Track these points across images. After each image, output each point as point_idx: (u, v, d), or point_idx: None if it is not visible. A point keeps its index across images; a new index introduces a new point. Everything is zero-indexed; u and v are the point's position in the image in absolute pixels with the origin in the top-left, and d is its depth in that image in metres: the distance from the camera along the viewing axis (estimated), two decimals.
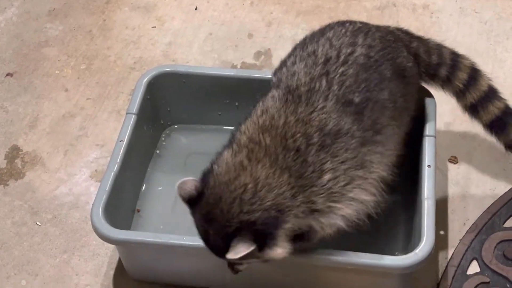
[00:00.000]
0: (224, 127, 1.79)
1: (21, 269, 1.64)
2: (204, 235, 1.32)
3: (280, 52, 1.54)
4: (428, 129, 1.57)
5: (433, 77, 1.61)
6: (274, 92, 1.41)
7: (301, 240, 1.35)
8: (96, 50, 2.14)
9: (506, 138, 1.63)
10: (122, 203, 1.60)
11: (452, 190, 1.72)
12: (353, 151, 1.34)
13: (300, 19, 2.18)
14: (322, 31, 1.49)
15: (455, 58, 1.61)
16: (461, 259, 1.59)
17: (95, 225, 1.46)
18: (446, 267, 1.57)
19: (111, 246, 1.63)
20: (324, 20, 1.91)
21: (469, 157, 1.79)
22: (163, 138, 1.83)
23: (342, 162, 1.32)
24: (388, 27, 1.59)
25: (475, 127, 1.68)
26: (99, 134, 1.92)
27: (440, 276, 1.56)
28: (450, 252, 1.60)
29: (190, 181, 1.34)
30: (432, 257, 1.40)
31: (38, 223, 1.73)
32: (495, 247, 1.60)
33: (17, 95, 2.03)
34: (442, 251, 1.60)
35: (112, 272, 1.62)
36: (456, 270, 1.57)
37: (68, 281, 1.62)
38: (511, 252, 1.58)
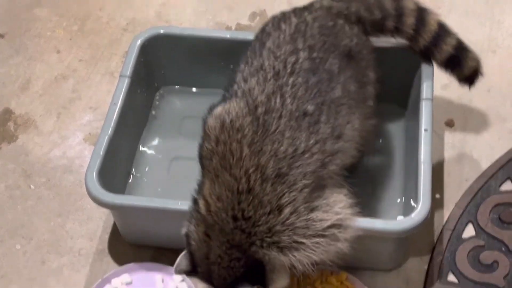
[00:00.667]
0: (219, 90, 1.77)
1: (15, 233, 1.63)
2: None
3: (276, 13, 1.51)
4: (425, 92, 1.56)
5: (381, 31, 1.58)
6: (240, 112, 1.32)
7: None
8: (88, 11, 2.11)
9: (461, 73, 1.63)
10: (117, 167, 1.59)
11: (448, 154, 1.72)
12: (311, 175, 1.29)
13: None
14: (261, 41, 1.45)
15: (398, 5, 1.57)
16: (457, 222, 1.59)
17: (90, 189, 1.45)
18: (442, 230, 1.57)
19: (106, 210, 1.62)
20: None
21: (466, 120, 1.78)
22: (157, 101, 1.81)
23: (302, 189, 1.27)
24: (323, 5, 1.53)
25: (472, 89, 1.66)
26: (92, 97, 1.89)
27: (435, 240, 1.56)
28: (446, 215, 1.60)
29: (183, 259, 1.32)
30: (428, 221, 1.39)
31: (31, 186, 1.72)
32: (491, 210, 1.60)
33: (8, 56, 2.01)
34: (438, 215, 1.60)
35: (107, 236, 1.62)
36: (451, 234, 1.57)
37: (63, 245, 1.61)
38: (506, 216, 1.58)
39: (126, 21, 2.07)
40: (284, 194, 1.26)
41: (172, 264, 1.53)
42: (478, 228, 1.57)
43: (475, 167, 1.68)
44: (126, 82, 1.63)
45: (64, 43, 2.03)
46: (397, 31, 1.58)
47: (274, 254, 1.26)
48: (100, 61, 1.98)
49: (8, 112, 1.87)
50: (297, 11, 1.51)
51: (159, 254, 1.57)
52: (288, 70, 1.37)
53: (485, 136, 1.75)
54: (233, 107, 1.33)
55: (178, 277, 1.50)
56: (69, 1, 2.14)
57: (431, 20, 1.58)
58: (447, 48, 1.58)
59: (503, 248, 1.54)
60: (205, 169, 1.33)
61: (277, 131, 1.30)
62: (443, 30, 1.58)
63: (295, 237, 1.26)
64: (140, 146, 1.73)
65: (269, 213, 1.25)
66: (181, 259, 1.33)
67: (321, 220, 1.28)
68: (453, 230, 1.57)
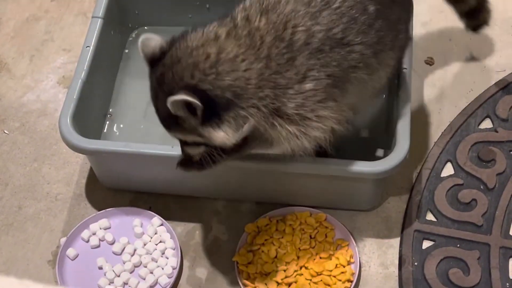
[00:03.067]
0: None
1: None
2: (154, 99, 1.25)
3: None
4: None
5: None
6: None
7: (252, 141, 1.29)
8: None
9: (472, 23, 1.65)
10: (92, 110, 1.56)
11: (428, 92, 1.70)
12: (341, 68, 1.24)
13: None
14: None
15: None
16: (436, 161, 1.58)
17: (64, 135, 1.42)
18: (421, 170, 1.57)
19: (83, 155, 1.60)
20: None
21: (445, 57, 1.76)
22: (131, 42, 1.77)
23: (328, 76, 1.23)
24: None
25: (452, 27, 1.64)
26: (65, 38, 1.85)
27: (414, 179, 1.56)
28: (425, 155, 1.60)
29: (156, 39, 1.24)
30: (407, 161, 1.39)
31: (5, 131, 1.69)
32: (470, 149, 1.60)
33: None
34: (418, 154, 1.59)
35: (84, 181, 1.60)
36: (430, 173, 1.57)
37: (39, 190, 1.60)
38: (485, 154, 1.58)
39: None
40: (314, 69, 1.22)
41: (150, 208, 1.52)
42: (457, 166, 1.57)
43: (454, 105, 1.67)
44: (98, 23, 1.59)
45: None
46: None
47: (266, 110, 1.22)
48: (72, 1, 1.92)
49: None
50: None
51: (137, 198, 1.56)
52: None
53: (465, 74, 1.73)
54: None
55: (157, 221, 1.49)
56: None
57: None
58: (472, 1, 1.59)
59: (481, 186, 1.54)
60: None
61: (338, 10, 1.23)
62: None
63: (300, 111, 1.23)
64: (115, 88, 1.70)
65: (295, 74, 1.21)
66: (152, 38, 1.24)
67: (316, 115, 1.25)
68: (432, 169, 1.57)
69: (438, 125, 1.64)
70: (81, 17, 1.89)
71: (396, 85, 1.47)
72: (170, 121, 1.23)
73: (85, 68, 1.51)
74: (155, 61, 1.24)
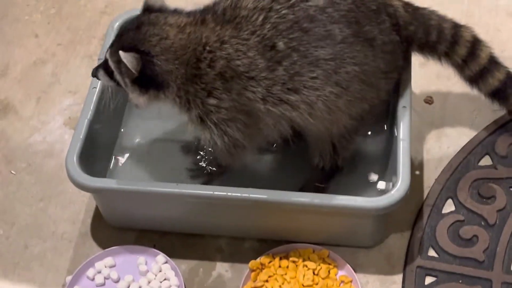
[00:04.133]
0: None
1: None
2: (119, 35, 1.43)
3: None
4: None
5: (430, 52, 1.56)
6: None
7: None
8: None
9: (509, 105, 1.62)
10: (97, 150, 1.59)
11: (427, 130, 1.73)
12: (249, 101, 1.37)
13: None
14: None
15: (456, 33, 1.54)
16: (436, 198, 1.60)
17: (71, 173, 1.45)
18: (422, 206, 1.59)
19: (88, 194, 1.62)
20: None
21: (444, 97, 1.79)
22: None
23: (231, 100, 1.36)
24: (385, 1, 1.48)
25: (451, 67, 1.67)
26: (71, 81, 1.89)
27: (416, 216, 1.58)
28: (426, 192, 1.62)
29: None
30: (408, 197, 1.41)
31: (12, 172, 1.71)
32: (470, 185, 1.62)
33: None
34: (418, 191, 1.61)
35: (89, 220, 1.62)
36: (431, 209, 1.58)
37: (45, 229, 1.61)
38: (485, 190, 1.60)
39: (104, 3, 2.06)
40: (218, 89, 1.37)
41: (155, 246, 1.54)
42: (457, 203, 1.59)
43: (454, 143, 1.70)
44: None
45: (42, 27, 2.02)
46: (446, 56, 1.56)
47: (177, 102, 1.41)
48: (79, 44, 1.97)
49: None
50: None
51: (142, 236, 1.57)
52: (291, 2, 1.34)
53: (464, 113, 1.76)
54: None
55: (161, 259, 1.51)
56: None
57: (482, 54, 1.55)
58: (493, 82, 1.56)
59: (482, 223, 1.56)
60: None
61: (244, 42, 1.35)
62: (493, 64, 1.56)
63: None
64: (121, 128, 1.72)
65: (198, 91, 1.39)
66: None
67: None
68: (433, 205, 1.59)
69: (438, 162, 1.66)
70: (87, 60, 1.93)
71: (396, 123, 1.50)
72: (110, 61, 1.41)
73: (91, 108, 1.54)
74: (148, 10, 1.43)
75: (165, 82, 1.38)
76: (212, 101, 1.37)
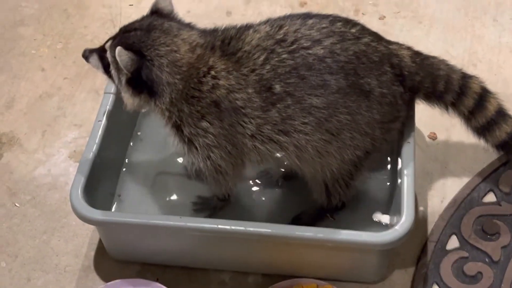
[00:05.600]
0: None
1: (1, 251, 1.63)
2: (123, 31, 1.43)
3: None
4: None
5: (436, 101, 1.55)
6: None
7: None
8: (73, 29, 2.12)
9: None
10: (102, 183, 1.59)
11: (431, 166, 1.73)
12: (238, 135, 1.39)
13: None
14: (306, 15, 1.43)
15: (464, 84, 1.53)
16: (441, 234, 1.60)
17: (75, 206, 1.45)
18: (426, 242, 1.59)
19: (91, 227, 1.62)
20: None
21: (448, 133, 1.80)
22: (142, 119, 1.81)
23: (221, 127, 1.38)
24: (391, 49, 1.47)
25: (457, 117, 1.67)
26: (77, 114, 1.90)
27: (420, 252, 1.58)
28: (430, 227, 1.61)
29: (171, 4, 1.45)
30: (412, 233, 1.41)
31: (16, 204, 1.72)
32: (474, 222, 1.61)
33: None
34: (422, 227, 1.61)
35: (92, 253, 1.61)
36: (435, 245, 1.58)
37: (48, 262, 1.61)
38: (489, 227, 1.60)
39: None
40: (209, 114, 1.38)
41: (158, 280, 1.53)
42: (462, 239, 1.59)
43: (458, 179, 1.70)
44: (110, 98, 1.64)
45: (48, 61, 2.04)
46: (452, 106, 1.55)
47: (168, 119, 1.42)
48: (84, 78, 1.98)
49: None
50: (372, 36, 1.45)
51: (145, 270, 1.57)
52: (292, 47, 1.36)
53: (467, 149, 1.76)
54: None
55: None
56: (54, 20, 2.15)
57: (490, 106, 1.53)
58: (501, 134, 1.54)
59: (486, 259, 1.55)
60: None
61: (243, 77, 1.36)
62: (501, 116, 1.54)
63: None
64: (126, 162, 1.73)
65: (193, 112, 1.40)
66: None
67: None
68: (437, 241, 1.58)
69: (442, 198, 1.66)
70: (93, 94, 1.94)
71: (400, 158, 1.50)
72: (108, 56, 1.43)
73: (96, 141, 1.55)
74: (156, 13, 1.43)
75: (160, 91, 1.38)
76: (204, 124, 1.38)
